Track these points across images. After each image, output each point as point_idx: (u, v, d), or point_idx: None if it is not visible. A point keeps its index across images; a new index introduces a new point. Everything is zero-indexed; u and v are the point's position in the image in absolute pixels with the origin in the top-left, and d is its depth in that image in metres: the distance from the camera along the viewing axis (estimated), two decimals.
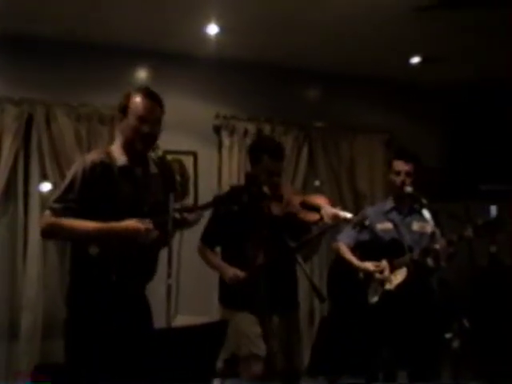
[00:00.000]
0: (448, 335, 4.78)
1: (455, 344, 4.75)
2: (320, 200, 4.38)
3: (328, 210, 4.20)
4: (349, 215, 4.23)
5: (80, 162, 3.63)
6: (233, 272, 4.34)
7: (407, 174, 4.92)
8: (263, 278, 4.03)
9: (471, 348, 5.36)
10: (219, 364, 4.42)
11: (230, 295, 4.44)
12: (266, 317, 4.27)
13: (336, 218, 4.17)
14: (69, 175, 3.61)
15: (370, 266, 4.94)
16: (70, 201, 3.52)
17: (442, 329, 4.85)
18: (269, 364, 4.26)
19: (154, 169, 3.76)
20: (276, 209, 4.37)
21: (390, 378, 4.73)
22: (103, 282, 3.51)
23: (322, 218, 4.18)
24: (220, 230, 4.49)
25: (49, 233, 3.66)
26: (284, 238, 3.99)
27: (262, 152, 4.45)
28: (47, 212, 3.56)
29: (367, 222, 4.47)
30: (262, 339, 4.30)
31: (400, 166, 4.95)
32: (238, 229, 4.39)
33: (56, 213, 3.51)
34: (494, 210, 6.56)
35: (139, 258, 3.56)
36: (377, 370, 4.67)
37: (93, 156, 3.67)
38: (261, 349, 4.27)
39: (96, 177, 3.55)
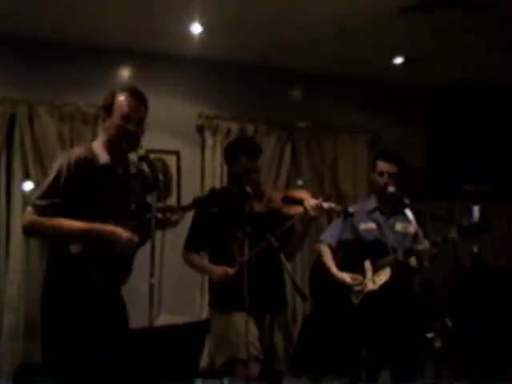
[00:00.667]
0: (430, 335, 4.79)
1: (437, 343, 4.75)
2: (302, 194, 4.36)
3: (311, 201, 4.16)
4: (332, 204, 4.22)
5: (64, 157, 3.58)
6: (222, 269, 4.29)
7: (390, 174, 4.91)
8: (250, 275, 4.03)
9: (453, 348, 5.38)
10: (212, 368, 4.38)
11: (223, 298, 4.37)
12: (261, 316, 4.27)
13: (320, 208, 4.15)
14: (53, 170, 3.53)
15: (347, 277, 4.89)
16: (54, 196, 3.45)
17: (425, 328, 4.85)
18: (266, 365, 4.26)
19: (133, 169, 3.74)
20: (258, 206, 4.35)
21: (372, 378, 4.74)
22: (82, 281, 3.46)
23: (305, 210, 4.16)
24: (204, 234, 4.45)
25: (31, 231, 3.59)
26: (267, 237, 3.99)
27: (239, 151, 4.42)
28: (30, 209, 3.48)
29: (351, 209, 4.44)
30: (259, 340, 4.28)
31: (383, 166, 4.94)
32: (222, 230, 4.36)
33: (39, 210, 3.44)
34: (476, 210, 6.57)
35: (117, 258, 3.52)
36: (359, 369, 4.68)
37: (77, 151, 3.62)
38: (259, 350, 4.24)
39: (81, 172, 3.50)
